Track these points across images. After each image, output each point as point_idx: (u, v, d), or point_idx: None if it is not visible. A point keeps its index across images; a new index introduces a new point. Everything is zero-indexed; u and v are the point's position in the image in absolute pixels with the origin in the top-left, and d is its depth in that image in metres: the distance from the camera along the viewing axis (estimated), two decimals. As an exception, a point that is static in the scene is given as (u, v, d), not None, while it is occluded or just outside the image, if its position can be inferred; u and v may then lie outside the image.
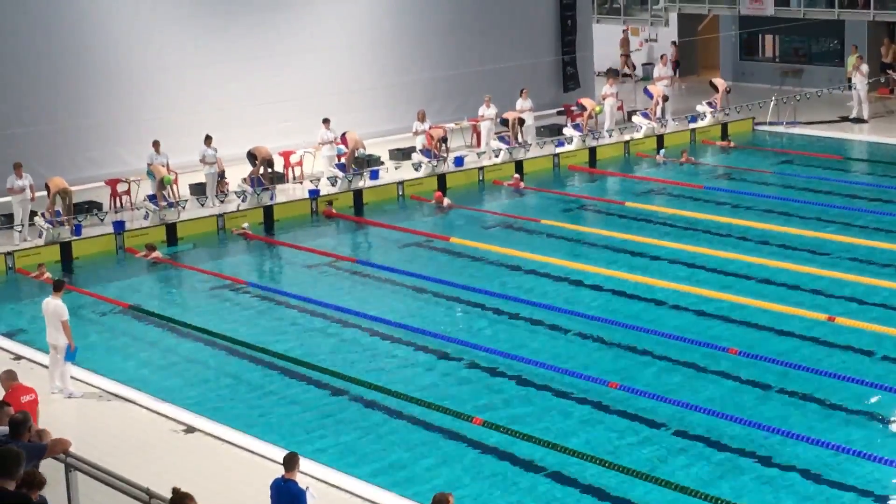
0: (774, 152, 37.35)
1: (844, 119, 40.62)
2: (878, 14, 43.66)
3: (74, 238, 29.17)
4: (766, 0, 45.74)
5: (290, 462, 14.02)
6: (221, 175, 32.33)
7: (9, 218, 29.69)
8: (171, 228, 30.19)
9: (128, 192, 32.31)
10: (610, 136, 38.42)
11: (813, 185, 32.95)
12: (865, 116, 40.25)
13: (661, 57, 43.69)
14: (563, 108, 41.77)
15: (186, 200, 31.71)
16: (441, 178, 34.18)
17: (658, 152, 36.95)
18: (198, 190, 32.51)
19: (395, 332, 23.01)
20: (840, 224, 28.90)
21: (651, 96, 39.38)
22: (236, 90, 36.53)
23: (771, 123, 40.04)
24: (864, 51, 42.91)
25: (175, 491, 12.21)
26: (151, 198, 30.87)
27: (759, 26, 47.19)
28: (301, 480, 14.15)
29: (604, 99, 39.44)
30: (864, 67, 40.20)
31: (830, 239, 27.57)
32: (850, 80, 40.93)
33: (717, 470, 17.11)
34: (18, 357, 22.25)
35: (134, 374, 21.49)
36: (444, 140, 35.00)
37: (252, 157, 32.43)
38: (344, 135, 34.01)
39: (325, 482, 16.77)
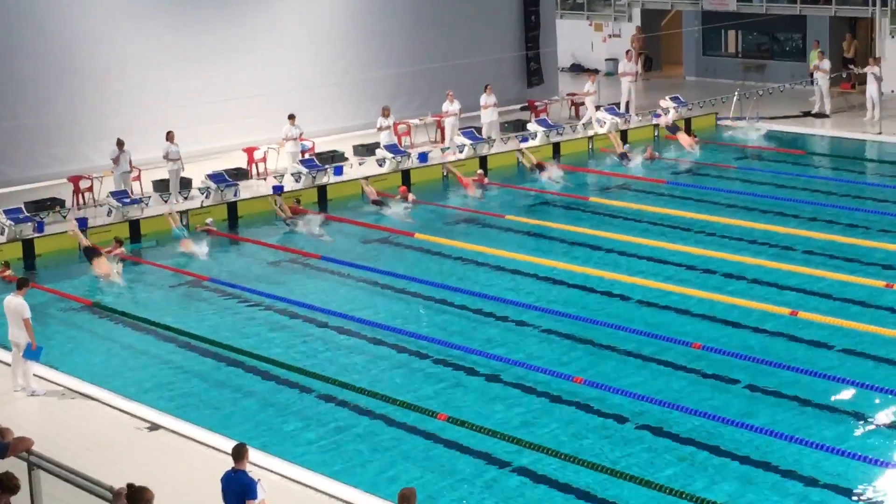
0: (737, 147, 37.51)
1: (807, 114, 40.84)
2: (839, 9, 43.95)
3: (37, 235, 29.02)
4: (729, -5, 46.04)
5: (239, 453, 14.09)
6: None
7: (-30, 216, 29.54)
8: (134, 225, 30.07)
9: (90, 189, 32.19)
10: (584, 130, 38.69)
11: (775, 180, 33.13)
12: (827, 111, 40.49)
13: (627, 52, 43.85)
14: (527, 104, 41.89)
15: (149, 197, 31.61)
16: (405, 174, 34.16)
17: (623, 146, 37.03)
18: (161, 186, 32.42)
19: (360, 328, 22.99)
20: (803, 219, 29.05)
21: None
22: (200, 87, 36.41)
23: (734, 118, 40.22)
24: (826, 46, 43.12)
25: (130, 486, 12.16)
26: (115, 193, 30.75)
27: (721, 21, 47.40)
28: (252, 472, 14.15)
29: (586, 96, 39.77)
30: (826, 63, 40.42)
31: (793, 233, 27.70)
32: (812, 75, 41.17)
33: (680, 464, 17.18)
34: (-20, 355, 22.15)
35: (97, 372, 21.40)
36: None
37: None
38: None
39: (287, 477, 16.80)
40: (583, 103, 41.59)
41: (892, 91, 42.39)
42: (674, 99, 40.19)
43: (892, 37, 42.79)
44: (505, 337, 22.44)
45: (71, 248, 28.77)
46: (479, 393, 19.96)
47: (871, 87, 38.86)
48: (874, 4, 42.59)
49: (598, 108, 40.22)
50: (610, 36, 51.32)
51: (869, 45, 44.18)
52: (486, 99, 37.62)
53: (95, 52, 34.93)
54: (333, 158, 34.81)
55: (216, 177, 32.04)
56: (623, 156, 35.59)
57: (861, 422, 18.39)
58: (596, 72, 44.02)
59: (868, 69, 39.06)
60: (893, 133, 37.23)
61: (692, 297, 23.75)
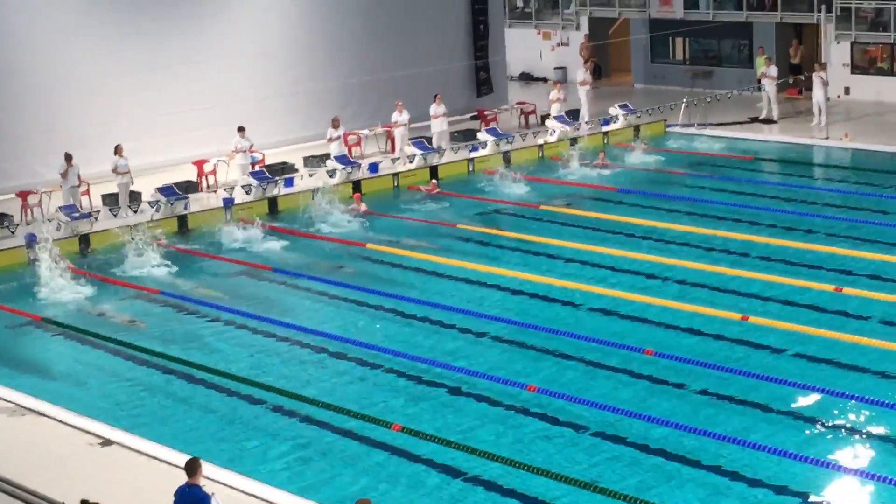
0: (686, 154, 37.72)
1: (754, 120, 41.15)
2: (785, 16, 44.35)
3: (-15, 251, 28.85)
4: (676, 3, 46.36)
5: (193, 467, 14.07)
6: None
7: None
8: (83, 239, 29.88)
9: (39, 204, 31.98)
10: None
11: (724, 186, 33.35)
12: (775, 117, 40.81)
13: (585, 62, 44.10)
14: (476, 113, 41.97)
15: (99, 211, 31.43)
16: (356, 185, 34.13)
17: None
18: (110, 200, 32.24)
19: (312, 340, 22.93)
20: (751, 224, 29.25)
21: None
22: (149, 100, 36.26)
23: (682, 125, 40.44)
24: (773, 52, 43.53)
25: (83, 502, 12.12)
26: (64, 208, 30.55)
27: (669, 29, 47.68)
28: (206, 486, 14.09)
29: (551, 104, 39.89)
30: (773, 69, 40.77)
31: (743, 239, 27.90)
32: (759, 81, 41.49)
33: (632, 470, 17.23)
34: (-71, 373, 21.93)
35: (48, 388, 21.23)
36: None
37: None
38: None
39: (244, 492, 16.71)
40: (532, 112, 41.81)
41: (839, 96, 42.81)
42: (623, 107, 40.40)
43: (838, 42, 43.20)
44: (461, 347, 22.41)
45: (19, 263, 28.58)
46: (438, 404, 19.93)
47: (818, 93, 39.20)
48: (819, 10, 42.95)
49: (546, 116, 40.43)
50: (558, 44, 51.51)
51: (815, 51, 44.56)
52: (435, 109, 37.69)
53: (43, 65, 34.69)
54: (284, 170, 34.78)
55: (166, 190, 31.89)
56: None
57: (814, 425, 18.50)
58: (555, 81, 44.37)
59: (815, 75, 39.39)
60: (840, 138, 37.57)
61: (643, 303, 23.83)
